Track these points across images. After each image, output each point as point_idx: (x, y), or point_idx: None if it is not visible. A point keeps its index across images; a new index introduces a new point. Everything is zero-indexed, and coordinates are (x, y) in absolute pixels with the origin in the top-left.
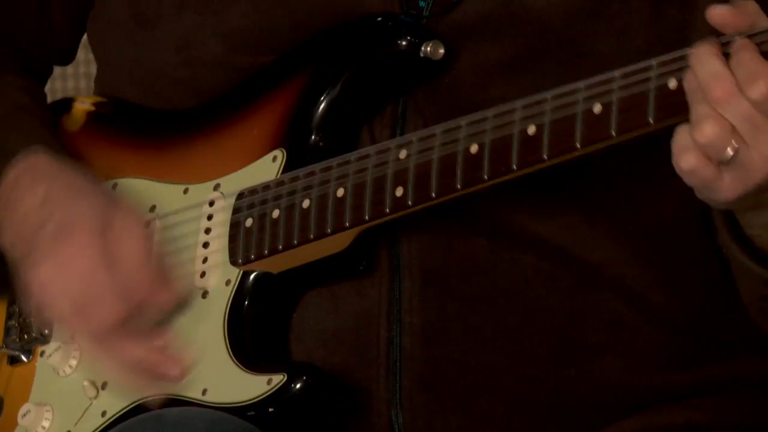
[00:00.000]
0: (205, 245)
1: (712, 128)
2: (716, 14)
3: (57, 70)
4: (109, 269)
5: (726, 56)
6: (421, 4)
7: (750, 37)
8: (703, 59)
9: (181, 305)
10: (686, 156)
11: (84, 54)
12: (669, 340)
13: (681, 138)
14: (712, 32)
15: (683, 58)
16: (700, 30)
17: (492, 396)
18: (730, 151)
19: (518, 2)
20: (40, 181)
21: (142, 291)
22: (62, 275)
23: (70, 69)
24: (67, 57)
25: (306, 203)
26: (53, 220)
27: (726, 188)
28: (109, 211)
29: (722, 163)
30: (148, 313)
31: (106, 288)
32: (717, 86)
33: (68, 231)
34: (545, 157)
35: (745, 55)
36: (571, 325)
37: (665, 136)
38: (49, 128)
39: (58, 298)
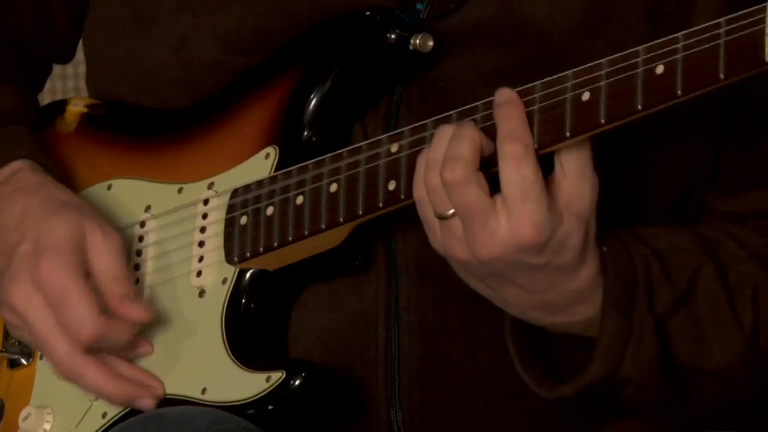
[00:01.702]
0: (201, 244)
1: (436, 181)
2: None
3: (57, 69)
4: (86, 285)
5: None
6: (419, 6)
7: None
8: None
9: (177, 305)
10: (418, 186)
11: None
12: None
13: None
14: None
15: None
16: None
17: (490, 394)
18: (446, 211)
19: (518, 12)
20: (18, 197)
21: (119, 304)
22: (39, 293)
23: (70, 69)
24: (66, 56)
25: (299, 199)
26: (29, 239)
27: (437, 241)
28: (84, 227)
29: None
30: (126, 328)
31: (85, 302)
32: (449, 170)
33: (43, 249)
34: (536, 146)
35: (512, 111)
36: None
37: (657, 136)
38: (36, 136)
39: (37, 316)
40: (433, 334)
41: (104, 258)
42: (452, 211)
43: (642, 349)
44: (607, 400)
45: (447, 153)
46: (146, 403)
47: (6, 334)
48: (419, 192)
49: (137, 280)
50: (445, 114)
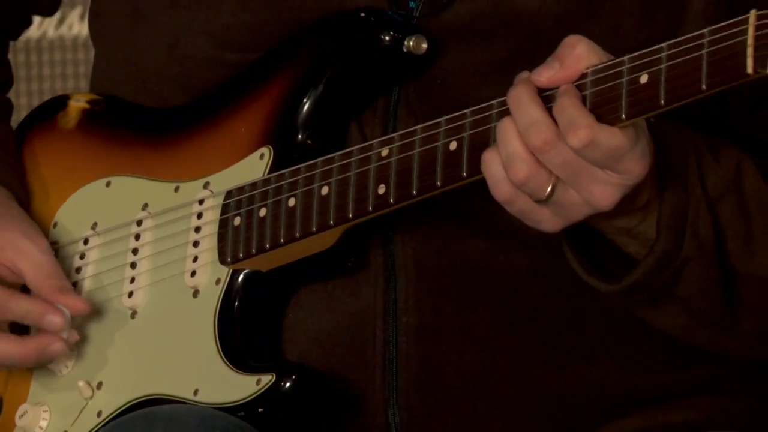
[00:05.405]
0: (195, 244)
1: (527, 172)
2: (543, 81)
3: (57, 69)
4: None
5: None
6: (411, 4)
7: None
8: (522, 104)
9: (171, 305)
10: (501, 188)
11: (84, 54)
12: (664, 339)
13: (494, 169)
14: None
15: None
16: (689, 31)
17: (488, 395)
18: (544, 194)
19: (509, 3)
20: None
21: (57, 295)
22: None
23: (70, 69)
24: (49, 8)
25: (292, 202)
26: None
27: (546, 222)
28: (7, 239)
29: (539, 201)
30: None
31: None
32: (536, 135)
33: None
34: None
35: (565, 101)
36: (566, 325)
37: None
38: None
39: None
40: (431, 335)
41: (33, 259)
42: (550, 186)
43: (699, 224)
44: (670, 293)
45: (521, 123)
46: (57, 347)
47: None
48: (504, 191)
49: (132, 279)
50: (434, 121)
